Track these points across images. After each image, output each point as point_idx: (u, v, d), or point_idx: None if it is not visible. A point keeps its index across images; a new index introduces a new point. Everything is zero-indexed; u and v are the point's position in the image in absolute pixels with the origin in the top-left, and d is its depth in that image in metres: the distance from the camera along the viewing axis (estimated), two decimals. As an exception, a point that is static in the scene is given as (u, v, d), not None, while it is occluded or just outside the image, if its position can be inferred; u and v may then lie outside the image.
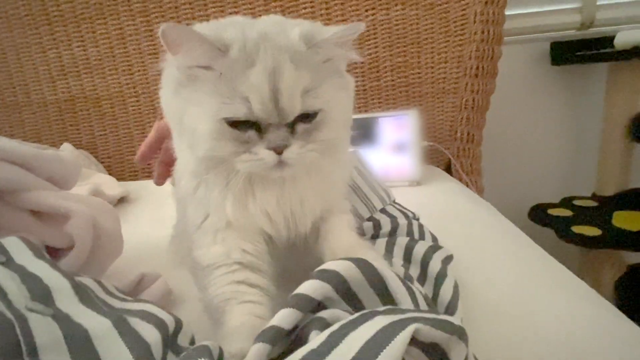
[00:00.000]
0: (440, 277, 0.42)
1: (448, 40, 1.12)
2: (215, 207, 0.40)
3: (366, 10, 1.12)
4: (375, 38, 1.14)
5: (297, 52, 0.35)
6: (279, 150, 0.35)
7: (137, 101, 1.22)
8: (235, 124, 0.35)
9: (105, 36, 1.18)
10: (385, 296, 0.30)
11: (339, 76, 0.39)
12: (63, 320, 0.27)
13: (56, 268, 0.31)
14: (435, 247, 0.48)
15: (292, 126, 0.36)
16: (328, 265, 0.30)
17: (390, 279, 0.30)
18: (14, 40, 1.20)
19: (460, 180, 1.11)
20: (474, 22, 1.09)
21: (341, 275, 0.29)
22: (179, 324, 0.32)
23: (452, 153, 1.17)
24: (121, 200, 1.00)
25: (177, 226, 0.58)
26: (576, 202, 1.28)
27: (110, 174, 1.19)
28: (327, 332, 0.24)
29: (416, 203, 0.62)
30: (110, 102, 1.22)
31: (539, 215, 1.22)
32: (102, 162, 1.26)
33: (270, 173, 0.37)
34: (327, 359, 0.22)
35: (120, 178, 1.20)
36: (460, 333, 0.23)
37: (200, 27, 0.37)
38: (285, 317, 0.27)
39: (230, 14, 1.13)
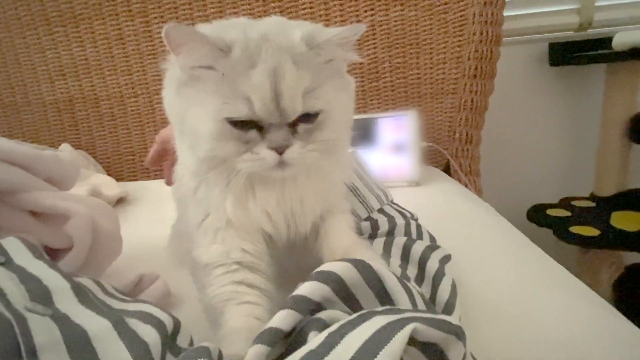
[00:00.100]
0: (438, 276, 0.42)
1: (447, 41, 1.13)
2: (215, 207, 0.40)
3: (365, 11, 1.12)
4: (374, 39, 1.14)
5: (299, 53, 0.35)
6: (280, 150, 0.35)
7: (136, 101, 1.22)
8: (236, 124, 0.35)
9: (104, 36, 1.18)
10: (384, 296, 0.30)
11: (339, 77, 0.40)
12: (62, 320, 0.27)
13: (55, 268, 0.31)
14: (433, 246, 0.48)
15: (293, 126, 0.36)
16: (326, 267, 0.30)
17: (388, 279, 0.30)
18: (12, 40, 1.20)
19: (459, 180, 1.11)
20: (473, 23, 1.09)
21: (339, 276, 0.29)
22: (177, 325, 0.32)
23: (450, 154, 1.17)
24: (120, 201, 1.00)
25: (175, 226, 0.58)
26: (575, 203, 1.28)
27: (109, 175, 1.19)
28: (325, 332, 0.24)
29: (415, 203, 0.63)
30: (109, 103, 1.22)
31: (537, 215, 1.22)
32: (100, 163, 1.26)
33: (271, 173, 0.37)
34: None
35: (119, 178, 1.20)
36: (458, 332, 0.24)
37: (203, 28, 0.37)
38: (283, 319, 0.27)
39: (230, 14, 1.13)
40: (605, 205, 1.23)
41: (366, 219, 0.54)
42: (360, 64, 1.15)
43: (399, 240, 0.48)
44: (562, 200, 1.32)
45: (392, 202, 0.61)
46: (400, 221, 0.53)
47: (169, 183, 0.54)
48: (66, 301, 0.29)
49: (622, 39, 1.12)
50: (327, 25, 0.40)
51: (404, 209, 0.60)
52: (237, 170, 0.37)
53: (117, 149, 1.26)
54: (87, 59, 1.19)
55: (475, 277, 0.50)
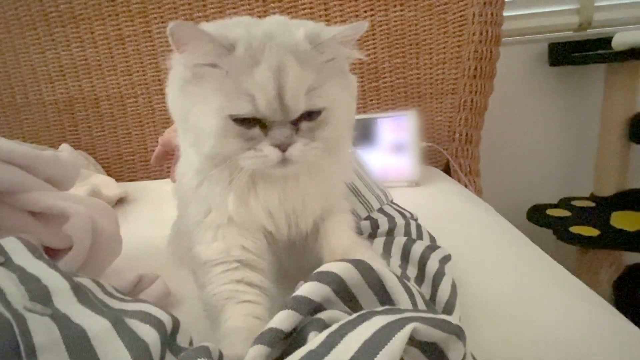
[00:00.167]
0: (438, 276, 0.42)
1: (447, 41, 1.13)
2: (217, 203, 0.40)
3: (365, 12, 1.12)
4: (374, 39, 1.14)
5: (302, 51, 0.36)
6: (283, 148, 0.35)
7: (136, 102, 1.22)
8: (240, 121, 0.35)
9: (104, 37, 1.17)
10: (384, 296, 0.30)
11: (342, 75, 0.40)
12: (61, 320, 0.27)
13: (55, 268, 0.31)
14: (432, 246, 0.48)
15: (296, 124, 0.36)
16: (327, 267, 0.30)
17: (389, 279, 0.30)
18: (12, 40, 1.20)
19: (459, 180, 1.11)
20: (473, 23, 1.09)
21: (340, 277, 0.29)
22: (176, 324, 0.32)
23: (450, 154, 1.17)
24: (120, 201, 0.99)
25: (175, 225, 0.58)
26: (574, 203, 1.28)
27: (108, 175, 1.19)
28: (325, 332, 0.24)
29: (415, 204, 0.63)
30: (109, 103, 1.22)
31: (537, 215, 1.22)
32: (100, 163, 1.25)
33: (273, 170, 0.37)
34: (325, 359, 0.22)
35: (118, 179, 1.20)
36: (458, 332, 0.24)
37: (206, 27, 0.37)
38: (284, 319, 0.27)
39: (229, 15, 1.13)
40: (605, 205, 1.23)
41: (366, 219, 0.54)
42: (360, 64, 1.15)
43: (399, 240, 0.48)
44: (562, 200, 1.32)
45: (392, 202, 0.61)
46: (400, 221, 0.53)
47: (174, 180, 0.55)
48: (66, 301, 0.29)
49: (622, 39, 1.12)
50: (327, 26, 0.40)
51: (403, 209, 0.60)
52: (239, 168, 0.37)
53: (117, 149, 1.26)
54: (87, 60, 1.19)
55: (475, 277, 0.50)
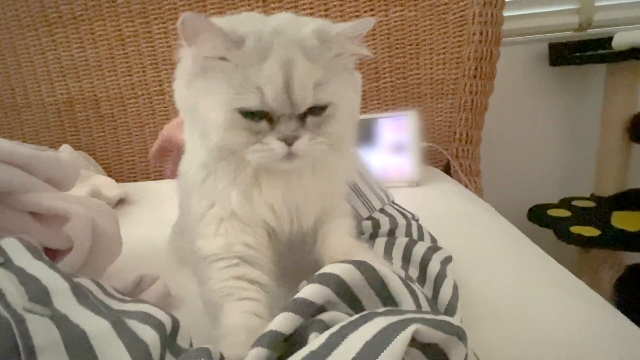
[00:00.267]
0: (440, 278, 0.42)
1: (447, 42, 1.13)
2: (221, 198, 0.40)
3: (365, 12, 1.12)
4: (374, 39, 1.14)
5: (310, 46, 0.36)
6: (289, 142, 0.36)
7: (136, 102, 1.22)
8: (247, 114, 0.36)
9: (104, 38, 1.18)
10: (386, 297, 0.30)
11: (348, 72, 0.41)
12: (61, 321, 0.27)
13: (55, 269, 0.31)
14: (434, 248, 0.48)
15: (302, 118, 0.37)
16: (328, 269, 0.30)
17: (391, 280, 0.30)
18: (12, 41, 1.20)
19: (459, 181, 1.11)
20: (473, 23, 1.09)
21: (341, 278, 0.29)
22: (176, 325, 0.32)
23: (451, 154, 1.17)
24: (120, 202, 0.99)
25: (176, 225, 0.58)
26: (575, 203, 1.28)
27: (109, 175, 1.19)
28: (326, 333, 0.24)
29: (415, 204, 0.63)
30: (109, 104, 1.22)
31: (537, 215, 1.22)
32: (100, 164, 1.25)
33: (279, 164, 0.37)
34: (326, 360, 0.22)
35: (119, 179, 1.20)
36: (459, 333, 0.24)
37: (216, 21, 0.37)
38: (284, 322, 0.27)
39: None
40: (605, 205, 1.23)
41: (367, 219, 0.54)
42: (360, 64, 1.14)
43: (401, 241, 0.48)
44: (563, 200, 1.32)
45: (393, 202, 0.61)
46: (401, 221, 0.53)
47: (170, 176, 0.55)
48: (65, 302, 0.29)
49: (622, 39, 1.12)
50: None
51: (405, 209, 0.60)
52: (245, 163, 0.37)
53: (117, 150, 1.26)
54: (87, 60, 1.20)
55: (475, 277, 0.50)
